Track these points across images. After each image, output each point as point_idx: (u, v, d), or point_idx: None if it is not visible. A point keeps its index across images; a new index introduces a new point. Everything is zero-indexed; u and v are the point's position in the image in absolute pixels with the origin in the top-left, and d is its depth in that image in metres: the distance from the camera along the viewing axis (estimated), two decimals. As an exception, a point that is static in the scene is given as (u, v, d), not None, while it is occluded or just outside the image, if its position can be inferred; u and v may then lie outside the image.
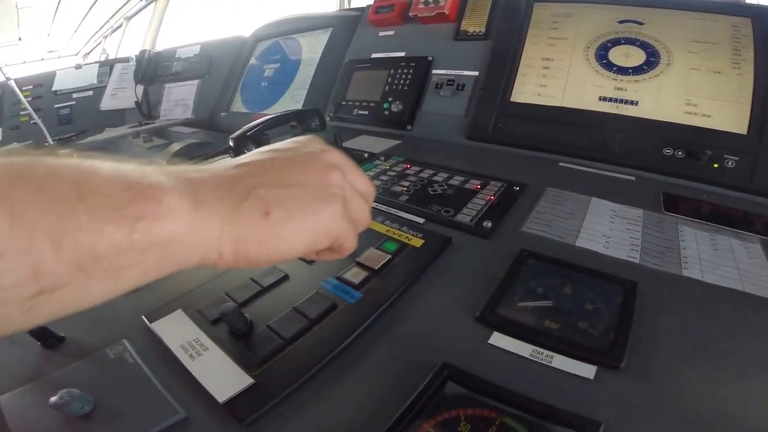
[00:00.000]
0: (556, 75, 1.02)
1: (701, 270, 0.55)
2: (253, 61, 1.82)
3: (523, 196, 0.76)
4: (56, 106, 2.12)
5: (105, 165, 0.27)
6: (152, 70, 2.14)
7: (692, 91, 0.88)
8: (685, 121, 0.86)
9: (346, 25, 1.52)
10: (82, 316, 0.52)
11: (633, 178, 0.84)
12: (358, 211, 0.41)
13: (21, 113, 2.02)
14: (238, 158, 0.39)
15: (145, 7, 3.34)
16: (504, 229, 0.66)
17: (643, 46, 0.95)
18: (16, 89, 1.75)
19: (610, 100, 0.94)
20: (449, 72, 1.19)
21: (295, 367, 0.43)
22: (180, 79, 2.03)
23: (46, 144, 1.71)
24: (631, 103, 0.92)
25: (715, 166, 0.80)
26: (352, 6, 1.99)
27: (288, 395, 0.41)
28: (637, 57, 0.95)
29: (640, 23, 0.97)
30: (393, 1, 1.35)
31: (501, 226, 0.67)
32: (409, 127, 1.20)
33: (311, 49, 1.59)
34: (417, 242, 0.62)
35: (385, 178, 0.87)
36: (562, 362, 0.42)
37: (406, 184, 0.83)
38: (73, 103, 2.14)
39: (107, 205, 0.25)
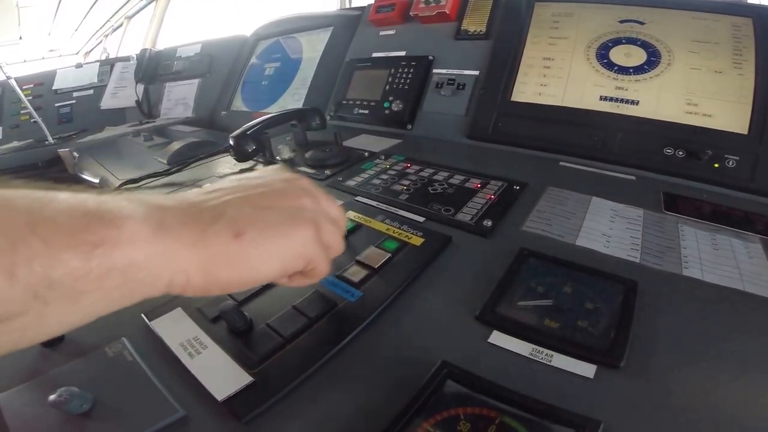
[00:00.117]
0: (557, 74, 1.02)
1: (701, 269, 0.55)
2: (253, 60, 1.82)
3: (523, 195, 0.76)
4: (56, 104, 2.12)
5: (62, 195, 0.27)
6: (153, 69, 2.14)
7: (693, 91, 0.88)
8: (685, 121, 0.86)
9: (346, 24, 1.52)
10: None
11: (633, 178, 0.84)
12: (330, 237, 0.41)
13: (21, 112, 2.02)
14: (206, 186, 0.39)
15: (145, 6, 3.34)
16: (504, 228, 0.66)
17: (644, 45, 0.95)
18: (17, 88, 1.75)
19: (611, 99, 0.94)
20: (450, 71, 1.19)
21: (295, 365, 0.43)
22: (181, 78, 2.03)
23: (47, 142, 1.71)
24: (632, 102, 0.92)
25: (716, 165, 0.80)
26: (353, 5, 1.99)
27: (287, 394, 0.40)
28: (638, 56, 0.95)
29: (641, 23, 0.97)
30: (394, 1, 1.35)
31: (501, 225, 0.67)
32: (409, 127, 1.20)
33: (312, 48, 1.59)
34: (417, 241, 0.62)
35: (385, 177, 0.86)
36: (561, 361, 0.42)
37: (407, 183, 0.82)
38: (74, 102, 2.14)
39: (62, 232, 0.25)
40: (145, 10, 3.34)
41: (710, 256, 0.58)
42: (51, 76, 2.21)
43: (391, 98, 1.24)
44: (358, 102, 1.31)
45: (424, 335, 0.47)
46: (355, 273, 0.55)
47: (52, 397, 0.38)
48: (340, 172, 0.92)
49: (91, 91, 2.18)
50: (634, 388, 0.39)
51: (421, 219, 0.69)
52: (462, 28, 1.22)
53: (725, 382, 0.40)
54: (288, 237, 0.37)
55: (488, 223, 0.66)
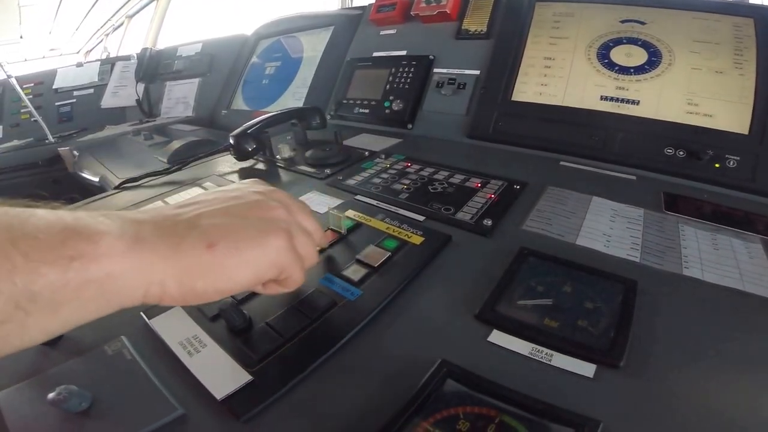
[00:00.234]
0: (558, 74, 1.02)
1: (702, 269, 0.55)
2: (254, 59, 1.82)
3: (523, 194, 0.76)
4: (57, 103, 2.12)
5: (39, 212, 0.29)
6: (153, 68, 2.14)
7: (694, 91, 0.88)
8: (686, 121, 0.86)
9: (347, 23, 1.52)
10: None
11: (634, 178, 0.84)
12: (304, 247, 0.43)
13: (22, 111, 2.03)
14: (181, 200, 0.41)
15: (146, 5, 3.34)
16: (504, 228, 0.66)
17: (645, 45, 0.95)
18: (17, 87, 1.75)
19: (612, 99, 0.94)
20: (450, 71, 1.19)
21: (294, 364, 0.43)
22: (181, 77, 2.04)
23: (47, 141, 1.71)
24: (633, 102, 0.92)
25: (717, 166, 0.80)
26: (354, 5, 1.99)
27: (286, 392, 0.40)
28: (638, 56, 0.95)
29: (642, 23, 0.97)
30: (394, 0, 1.35)
31: (501, 224, 0.67)
32: (409, 126, 1.20)
33: (313, 47, 1.60)
34: (417, 240, 0.62)
35: (385, 176, 0.86)
36: (561, 361, 0.42)
37: (407, 182, 0.82)
38: (74, 100, 2.15)
39: (41, 247, 0.27)
40: (146, 9, 3.35)
41: (710, 256, 0.58)
42: (51, 75, 2.22)
43: (391, 98, 1.24)
44: (359, 101, 1.30)
45: (423, 334, 0.47)
46: (355, 272, 0.55)
47: (51, 395, 0.37)
48: (341, 171, 0.92)
49: (91, 90, 2.19)
50: (634, 388, 0.39)
51: (421, 218, 0.69)
52: (463, 27, 1.22)
53: (725, 381, 0.40)
54: (261, 246, 0.38)
55: (488, 222, 0.65)
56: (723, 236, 0.63)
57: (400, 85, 1.24)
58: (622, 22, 1.00)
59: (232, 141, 0.96)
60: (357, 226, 0.67)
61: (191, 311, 0.50)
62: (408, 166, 0.90)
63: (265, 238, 0.38)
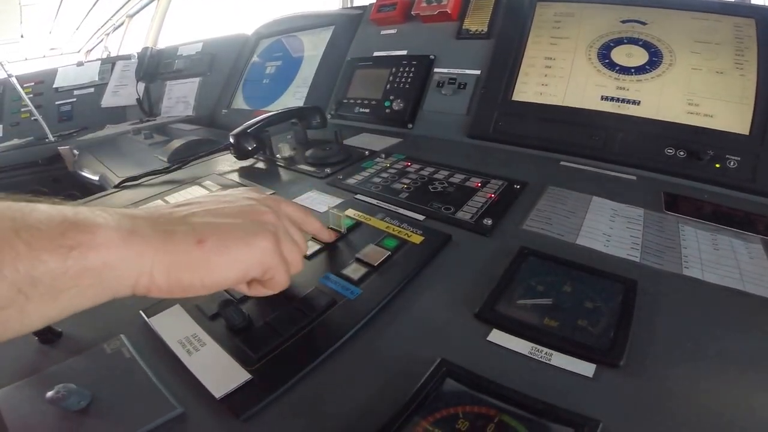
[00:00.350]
0: (558, 74, 1.02)
1: (702, 269, 0.55)
2: (255, 58, 1.82)
3: (523, 194, 0.76)
4: (57, 102, 2.13)
5: (41, 206, 0.31)
6: (154, 68, 2.14)
7: (694, 91, 0.88)
8: (687, 121, 0.86)
9: (348, 23, 1.52)
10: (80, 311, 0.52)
11: (634, 178, 0.84)
12: (290, 253, 0.45)
13: (22, 110, 2.03)
14: (177, 202, 0.43)
15: (147, 5, 3.34)
16: (504, 227, 0.66)
17: (646, 45, 0.95)
18: (18, 86, 1.75)
19: (612, 99, 0.94)
20: (451, 71, 1.19)
21: (293, 363, 0.43)
22: (182, 76, 2.04)
23: (47, 140, 1.71)
24: (633, 102, 0.92)
25: (717, 166, 0.80)
26: (355, 4, 1.99)
27: (285, 391, 0.40)
28: (639, 57, 0.95)
29: (644, 23, 0.97)
30: (395, 0, 1.35)
31: (501, 223, 0.67)
32: (410, 126, 1.20)
33: (313, 46, 1.60)
34: (417, 239, 0.62)
35: (385, 175, 0.86)
36: (561, 360, 0.41)
37: (407, 181, 0.82)
38: (74, 100, 2.15)
39: (43, 236, 0.29)
40: (147, 8, 3.35)
41: (711, 256, 0.58)
42: (52, 74, 2.22)
43: (391, 97, 1.24)
44: (359, 101, 1.30)
45: (423, 333, 0.47)
46: (355, 270, 0.55)
47: (49, 393, 0.37)
48: (341, 170, 0.92)
49: (91, 90, 2.19)
50: (634, 388, 0.39)
51: (421, 217, 0.69)
52: (463, 27, 1.22)
53: (725, 381, 0.39)
54: (248, 245, 0.40)
55: (488, 221, 0.65)
56: (723, 236, 0.63)
57: (401, 85, 1.24)
58: (623, 22, 0.99)
59: (232, 140, 0.96)
60: (357, 225, 0.67)
61: (191, 310, 0.50)
62: (408, 166, 0.90)
63: (252, 239, 0.41)
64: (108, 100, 2.15)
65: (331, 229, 0.64)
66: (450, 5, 1.22)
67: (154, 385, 0.41)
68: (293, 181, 0.90)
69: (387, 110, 1.23)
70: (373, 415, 0.36)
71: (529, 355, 0.42)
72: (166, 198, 0.86)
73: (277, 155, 1.03)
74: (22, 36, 4.25)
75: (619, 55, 0.97)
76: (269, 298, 0.51)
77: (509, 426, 0.34)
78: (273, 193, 0.79)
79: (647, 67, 0.93)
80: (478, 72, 1.14)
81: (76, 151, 1.52)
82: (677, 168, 0.83)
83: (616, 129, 0.91)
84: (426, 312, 0.50)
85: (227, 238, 0.39)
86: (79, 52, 4.69)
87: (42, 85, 2.17)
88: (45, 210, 0.30)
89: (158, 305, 0.52)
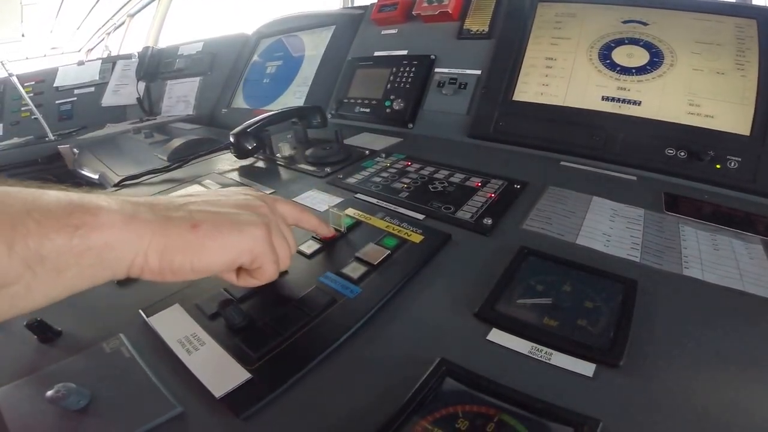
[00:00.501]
0: (559, 74, 1.02)
1: (702, 270, 0.55)
2: (255, 58, 1.82)
3: (523, 194, 0.76)
4: (57, 102, 2.12)
5: (52, 191, 0.33)
6: (154, 67, 2.14)
7: (695, 92, 0.87)
8: (687, 122, 0.86)
9: (349, 23, 1.52)
10: (79, 310, 0.53)
11: (634, 178, 0.84)
12: (280, 246, 0.47)
13: (22, 109, 2.03)
14: (175, 193, 0.45)
15: (148, 4, 3.34)
16: (504, 227, 0.66)
17: (647, 46, 0.95)
18: (18, 85, 1.75)
19: (613, 99, 0.94)
20: (452, 71, 1.19)
21: (293, 362, 0.43)
22: (182, 75, 2.04)
23: (47, 139, 1.71)
24: (634, 103, 0.92)
25: (718, 166, 0.80)
26: (356, 4, 1.99)
27: (285, 390, 0.40)
28: (640, 57, 0.95)
29: (645, 24, 0.97)
30: (396, 0, 1.35)
31: (501, 223, 0.67)
32: (410, 125, 1.20)
33: (314, 46, 1.60)
34: (416, 238, 0.62)
35: (385, 174, 0.86)
36: (561, 360, 0.41)
37: (407, 181, 0.82)
38: (75, 99, 2.15)
39: (52, 216, 0.31)
40: (148, 8, 3.35)
41: (711, 256, 0.58)
42: (53, 73, 2.22)
43: (392, 97, 1.24)
44: (360, 100, 1.30)
45: (422, 332, 0.47)
46: (354, 269, 0.55)
47: (49, 392, 0.37)
48: (341, 169, 0.92)
49: (92, 89, 2.19)
50: (633, 387, 0.39)
51: (421, 217, 0.69)
52: (464, 27, 1.22)
53: (724, 381, 0.39)
54: (240, 232, 0.42)
55: (488, 221, 0.65)
56: (723, 237, 0.63)
57: (401, 85, 1.24)
58: (624, 22, 0.99)
59: (232, 139, 0.96)
60: (357, 224, 0.67)
61: (190, 309, 0.50)
62: (408, 165, 0.90)
63: (245, 226, 0.42)
64: (108, 99, 2.15)
65: (332, 228, 0.64)
66: (451, 5, 1.22)
67: (154, 384, 0.41)
68: (293, 180, 0.90)
69: (387, 110, 1.23)
70: (373, 414, 0.36)
71: (529, 355, 0.42)
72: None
73: (277, 154, 1.03)
74: (23, 35, 4.25)
75: (620, 55, 0.97)
76: (268, 297, 0.52)
77: (509, 425, 0.34)
78: (272, 193, 0.80)
79: (648, 67, 0.93)
80: (478, 72, 1.14)
81: (76, 150, 1.52)
82: (678, 168, 0.83)
83: (617, 129, 0.91)
84: (426, 311, 0.50)
85: (220, 224, 0.41)
86: (79, 51, 4.69)
87: (42, 84, 2.17)
88: (54, 194, 0.33)
89: (158, 304, 0.52)
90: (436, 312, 0.50)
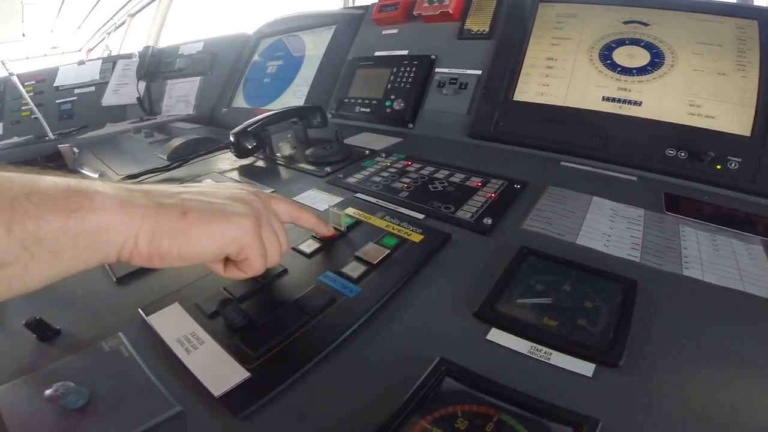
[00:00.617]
0: (560, 75, 1.02)
1: (702, 270, 0.55)
2: (256, 57, 1.83)
3: (523, 194, 0.76)
4: (58, 101, 2.12)
5: (50, 176, 0.34)
6: (155, 67, 2.14)
7: (696, 93, 0.87)
8: (688, 122, 0.86)
9: (349, 22, 1.52)
10: (78, 309, 0.53)
11: (635, 179, 0.84)
12: (269, 240, 0.47)
13: (23, 108, 2.03)
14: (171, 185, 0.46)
15: (148, 4, 3.34)
16: (504, 227, 0.66)
17: (648, 46, 0.95)
18: (18, 84, 1.75)
19: (614, 100, 0.94)
20: (452, 71, 1.19)
21: (292, 361, 0.43)
22: (182, 75, 2.04)
23: (47, 138, 1.71)
24: (635, 103, 0.92)
25: (718, 167, 0.80)
26: (357, 4, 1.99)
27: (284, 390, 0.40)
28: (641, 58, 0.95)
29: (646, 24, 0.97)
30: (397, 0, 1.35)
31: (501, 223, 0.66)
32: (410, 125, 1.20)
33: (314, 46, 1.60)
34: (416, 237, 0.62)
35: (385, 174, 0.86)
36: (560, 359, 0.41)
37: (407, 180, 0.82)
38: (75, 98, 2.14)
39: (49, 199, 0.32)
40: (148, 8, 3.35)
41: (711, 256, 0.58)
42: (53, 72, 2.21)
43: (392, 97, 1.24)
44: (360, 100, 1.30)
45: (422, 332, 0.47)
46: (354, 269, 0.55)
47: (48, 391, 0.37)
48: (341, 169, 0.92)
49: (92, 88, 2.19)
50: (633, 387, 0.39)
51: (421, 216, 0.69)
52: (465, 27, 1.22)
53: (724, 381, 0.39)
54: (228, 222, 0.42)
55: (488, 221, 0.65)
56: (723, 237, 0.63)
57: (402, 85, 1.24)
58: (625, 23, 0.99)
59: (232, 138, 0.96)
60: (357, 223, 0.67)
61: (189, 308, 0.50)
62: (408, 165, 0.90)
63: (233, 216, 0.43)
64: (108, 99, 2.15)
65: (331, 227, 0.64)
66: (452, 5, 1.22)
67: (153, 383, 0.41)
68: (293, 180, 0.90)
69: (388, 110, 1.23)
70: (372, 413, 0.36)
71: (529, 355, 0.42)
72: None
73: (278, 154, 1.03)
74: (23, 35, 4.25)
75: (621, 55, 0.97)
76: (268, 296, 0.52)
77: (508, 425, 0.34)
78: (272, 192, 0.80)
79: (649, 68, 0.93)
80: (479, 72, 1.14)
81: (76, 149, 1.52)
82: (678, 169, 0.83)
83: (617, 129, 0.91)
84: (425, 311, 0.50)
85: (209, 212, 0.41)
86: (80, 50, 4.69)
87: (43, 83, 2.17)
88: (52, 179, 0.34)
89: (157, 303, 0.52)
90: (436, 311, 0.50)
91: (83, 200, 0.34)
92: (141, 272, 0.60)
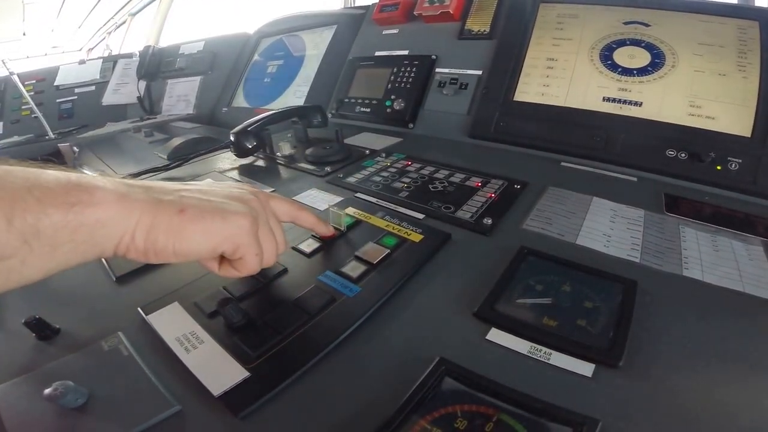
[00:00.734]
0: (560, 75, 1.02)
1: (702, 270, 0.55)
2: (256, 57, 1.83)
3: (524, 194, 0.75)
4: (58, 100, 2.12)
5: (52, 171, 0.34)
6: (155, 66, 2.14)
7: (697, 93, 0.87)
8: (688, 123, 0.85)
9: (350, 22, 1.52)
10: (78, 308, 0.53)
11: (635, 179, 0.84)
12: (265, 240, 0.47)
13: (23, 107, 2.03)
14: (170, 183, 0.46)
15: (149, 3, 3.34)
16: (504, 227, 0.66)
17: (649, 47, 0.95)
18: (19, 83, 1.75)
19: (614, 100, 0.94)
20: (452, 71, 1.19)
21: (292, 360, 0.43)
22: (183, 75, 2.04)
23: (47, 137, 1.71)
24: (635, 104, 0.91)
25: (718, 168, 0.80)
26: (357, 4, 1.99)
27: (284, 389, 0.40)
28: (642, 58, 0.95)
29: (647, 25, 0.97)
30: (398, 0, 1.35)
31: (501, 223, 0.66)
32: (411, 125, 1.19)
33: (315, 46, 1.60)
34: (416, 237, 0.62)
35: (385, 174, 0.86)
36: (560, 360, 0.41)
37: (407, 180, 0.82)
38: (75, 97, 2.14)
39: (50, 194, 0.32)
40: (149, 7, 3.34)
41: (711, 257, 0.58)
42: (53, 72, 2.21)
43: (393, 97, 1.23)
44: (360, 100, 1.30)
45: (422, 332, 0.47)
46: (354, 268, 0.55)
47: (47, 390, 0.37)
48: (341, 169, 0.92)
49: (92, 87, 2.19)
50: (633, 388, 0.39)
51: (421, 216, 0.69)
52: (466, 27, 1.21)
53: (724, 382, 0.39)
54: (224, 220, 0.42)
55: (488, 221, 0.65)
56: (723, 238, 0.63)
57: (402, 85, 1.24)
58: (626, 23, 0.99)
59: (232, 138, 0.96)
60: (357, 223, 0.67)
61: (189, 308, 0.50)
62: (408, 165, 0.90)
63: (230, 215, 0.43)
64: (109, 98, 2.15)
65: (331, 226, 0.64)
66: (452, 6, 1.21)
67: (152, 382, 0.41)
68: (293, 179, 0.90)
69: (388, 110, 1.23)
70: (372, 413, 0.36)
71: (528, 355, 0.42)
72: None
73: (278, 153, 1.03)
74: (24, 34, 4.25)
75: (622, 56, 0.97)
76: (268, 296, 0.52)
77: (508, 425, 0.34)
78: (272, 191, 0.79)
79: (649, 68, 0.93)
80: (479, 72, 1.14)
81: (76, 148, 1.51)
82: (678, 169, 0.83)
83: (618, 130, 0.90)
84: (425, 310, 0.50)
85: (206, 210, 0.42)
86: (80, 50, 4.69)
87: (43, 82, 2.17)
88: (54, 173, 0.34)
89: (156, 302, 0.52)
90: (436, 311, 0.49)
91: (83, 195, 0.34)
92: (141, 271, 0.60)
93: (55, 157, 1.63)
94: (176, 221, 0.39)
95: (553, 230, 0.64)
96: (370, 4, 1.50)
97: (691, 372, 0.40)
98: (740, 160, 0.79)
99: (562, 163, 0.92)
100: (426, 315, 0.49)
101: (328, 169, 0.92)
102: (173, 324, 0.48)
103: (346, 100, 1.34)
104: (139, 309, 0.51)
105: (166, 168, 1.02)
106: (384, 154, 0.99)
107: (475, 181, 0.80)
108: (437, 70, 1.22)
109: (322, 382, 0.41)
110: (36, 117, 1.76)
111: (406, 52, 1.30)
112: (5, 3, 3.51)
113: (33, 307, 0.51)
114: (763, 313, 0.48)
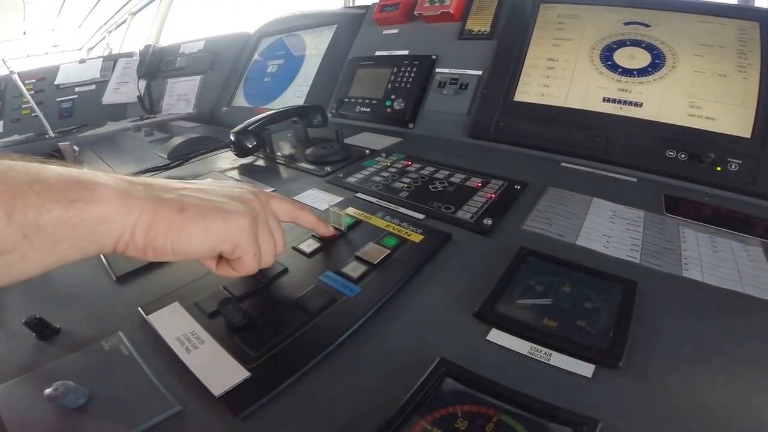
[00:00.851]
0: (561, 75, 1.02)
1: (701, 271, 0.55)
2: (256, 56, 1.83)
3: (524, 194, 0.76)
4: (58, 99, 2.12)
5: (53, 166, 0.35)
6: (155, 65, 2.15)
7: (697, 94, 0.87)
8: (688, 124, 0.85)
9: (350, 22, 1.52)
10: (78, 308, 0.53)
11: (635, 180, 0.84)
12: (264, 240, 0.47)
13: (23, 106, 2.03)
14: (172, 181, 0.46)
15: (150, 2, 3.34)
16: (504, 227, 0.66)
17: (649, 48, 0.95)
18: (19, 82, 1.75)
19: (614, 101, 0.94)
20: (453, 71, 1.19)
21: (292, 361, 0.43)
22: (183, 74, 2.04)
23: (47, 136, 1.71)
24: (635, 104, 0.91)
25: (718, 169, 0.80)
26: (357, 4, 1.99)
27: (284, 389, 0.40)
28: (642, 59, 0.95)
29: (647, 25, 0.97)
30: (398, 0, 1.35)
31: (501, 223, 0.66)
32: (411, 125, 1.20)
33: (315, 45, 1.60)
34: (416, 238, 0.62)
35: (386, 174, 0.86)
36: (560, 360, 0.41)
37: (407, 180, 0.82)
38: (75, 96, 2.15)
39: (51, 189, 0.32)
40: (149, 6, 3.34)
41: (710, 258, 0.58)
42: (54, 71, 2.22)
43: (393, 97, 1.24)
44: (360, 100, 1.30)
45: (422, 332, 0.47)
46: (354, 269, 0.55)
47: (47, 390, 0.37)
48: (341, 168, 0.92)
49: (93, 87, 2.19)
50: (633, 388, 0.39)
51: (421, 216, 0.69)
52: (466, 27, 1.21)
53: (723, 382, 0.39)
54: (223, 219, 0.42)
55: (488, 221, 0.65)
56: (723, 239, 0.63)
57: (402, 85, 1.24)
58: (626, 24, 0.99)
59: (232, 137, 0.96)
60: (357, 223, 0.67)
61: (190, 308, 0.50)
62: (409, 165, 0.90)
63: (229, 215, 0.43)
64: (109, 97, 2.15)
65: (331, 227, 0.64)
66: (453, 6, 1.22)
67: (153, 382, 0.41)
68: (293, 179, 0.90)
69: (388, 110, 1.23)
70: (372, 414, 0.36)
71: (529, 355, 0.42)
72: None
73: (278, 153, 1.03)
74: (24, 33, 4.25)
75: (622, 57, 0.97)
76: (268, 296, 0.52)
77: (508, 425, 0.34)
78: (272, 191, 0.79)
79: (650, 69, 0.93)
80: (479, 72, 1.14)
81: (76, 147, 1.52)
82: (678, 170, 0.83)
83: (618, 131, 0.90)
84: (425, 311, 0.50)
85: (206, 209, 0.42)
86: (81, 49, 4.69)
87: (43, 81, 2.17)
88: (55, 169, 0.34)
89: (157, 302, 0.52)
90: (436, 312, 0.50)
91: (84, 191, 0.34)
92: (141, 271, 0.60)
93: (55, 157, 1.63)
94: (176, 220, 0.40)
95: (553, 231, 0.64)
96: (370, 4, 1.50)
97: (690, 372, 0.40)
98: (740, 161, 0.79)
99: (562, 164, 0.92)
100: (426, 315, 0.49)
101: (328, 168, 0.92)
102: (174, 324, 0.48)
103: (346, 99, 1.34)
104: (139, 309, 0.51)
105: (166, 167, 1.02)
106: (384, 154, 0.99)
107: (475, 182, 0.80)
108: (437, 70, 1.22)
109: (322, 383, 0.41)
110: (36, 116, 1.76)
111: (406, 52, 1.30)
112: (6, 2, 3.50)
113: (33, 306, 0.51)
114: (763, 314, 0.48)
